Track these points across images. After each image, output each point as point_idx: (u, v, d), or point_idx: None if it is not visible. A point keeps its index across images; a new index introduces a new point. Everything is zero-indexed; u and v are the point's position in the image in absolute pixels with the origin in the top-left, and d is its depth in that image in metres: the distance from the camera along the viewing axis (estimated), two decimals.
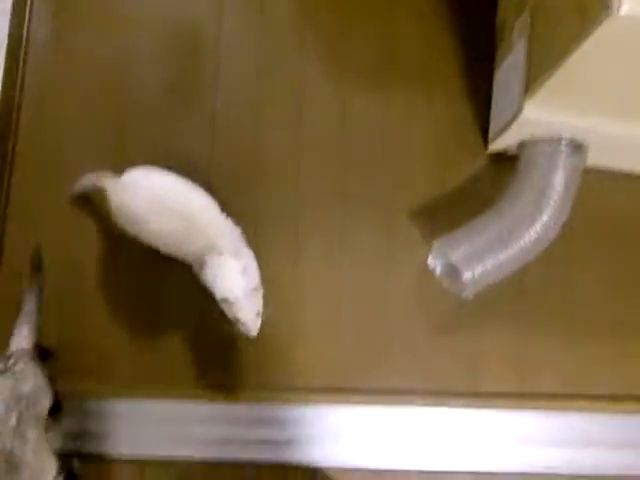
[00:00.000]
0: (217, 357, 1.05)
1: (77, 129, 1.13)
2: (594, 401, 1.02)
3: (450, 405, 1.02)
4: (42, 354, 0.91)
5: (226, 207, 0.95)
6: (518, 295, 1.06)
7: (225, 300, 0.86)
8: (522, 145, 1.02)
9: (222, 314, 0.87)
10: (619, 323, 1.06)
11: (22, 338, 0.89)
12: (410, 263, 1.07)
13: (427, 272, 1.05)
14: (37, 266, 0.96)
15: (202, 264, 0.90)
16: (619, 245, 1.08)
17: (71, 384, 0.96)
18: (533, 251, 0.98)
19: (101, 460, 1.01)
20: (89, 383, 1.03)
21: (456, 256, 0.97)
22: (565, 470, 1.00)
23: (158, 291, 1.07)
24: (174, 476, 1.00)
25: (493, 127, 1.07)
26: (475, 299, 1.01)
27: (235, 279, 0.87)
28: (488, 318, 1.05)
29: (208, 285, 0.88)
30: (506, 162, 1.05)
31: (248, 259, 0.90)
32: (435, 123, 1.12)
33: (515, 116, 0.94)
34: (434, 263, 1.04)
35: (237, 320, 0.87)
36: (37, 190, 1.11)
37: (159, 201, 0.94)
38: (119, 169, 0.98)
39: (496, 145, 1.06)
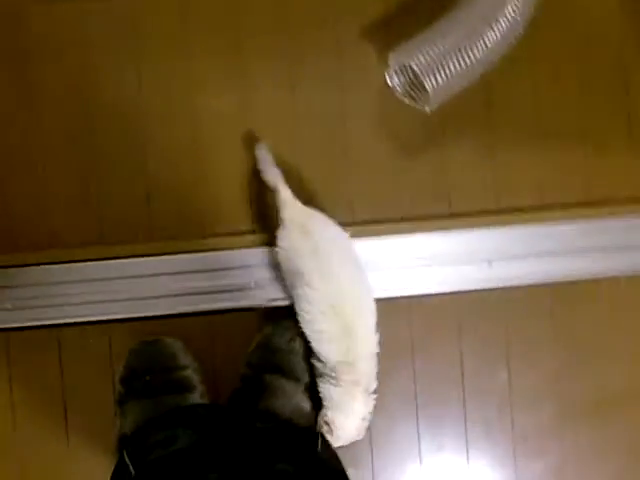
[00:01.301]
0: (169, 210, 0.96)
1: None
2: (570, 208, 0.98)
3: (423, 230, 0.97)
4: None
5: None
6: (485, 107, 0.99)
7: (329, 431, 0.84)
8: None
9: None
10: (589, 130, 1.00)
11: None
12: (367, 84, 0.98)
13: (386, 92, 0.96)
14: None
15: (328, 377, 0.84)
16: (588, 46, 1.00)
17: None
18: (498, 51, 0.90)
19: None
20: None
21: (416, 63, 0.88)
22: (548, 279, 0.98)
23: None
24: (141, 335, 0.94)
25: None
26: (440, 115, 0.94)
27: (353, 429, 0.85)
28: (456, 134, 0.98)
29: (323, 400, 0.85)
30: None
31: (371, 400, 0.85)
32: None
33: None
34: (392, 78, 0.95)
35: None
36: None
37: (324, 267, 0.83)
38: None
39: None
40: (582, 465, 0.98)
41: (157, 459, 0.76)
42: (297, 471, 0.72)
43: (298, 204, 0.88)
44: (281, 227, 0.87)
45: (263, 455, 0.76)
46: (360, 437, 0.87)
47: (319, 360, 0.85)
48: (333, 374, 0.83)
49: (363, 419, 0.85)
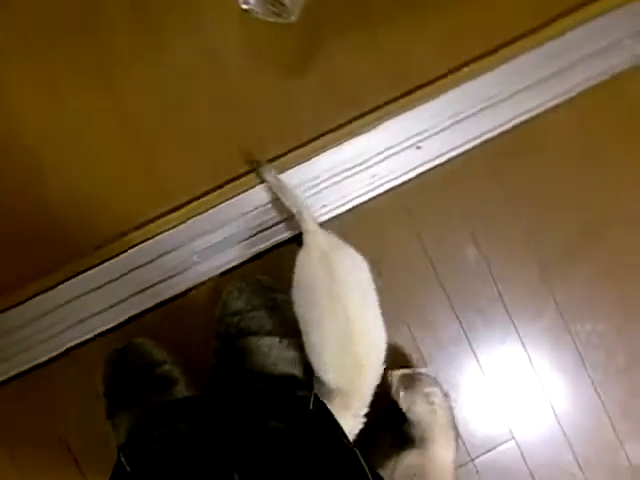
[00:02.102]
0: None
1: None
2: (472, 64, 0.92)
3: (338, 141, 0.92)
4: None
5: None
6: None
7: None
8: None
9: None
10: None
11: None
12: (224, 18, 0.92)
13: (247, 19, 0.90)
14: None
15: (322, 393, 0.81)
16: None
17: None
18: None
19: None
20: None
21: None
22: (480, 138, 0.92)
23: None
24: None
25: None
26: (311, 20, 0.90)
27: None
28: (329, 32, 0.92)
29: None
30: None
31: (359, 422, 0.82)
32: None
33: None
34: (246, 1, 0.89)
35: None
36: None
37: (338, 302, 0.78)
38: None
39: None
40: (579, 309, 0.93)
41: (151, 455, 0.75)
42: (289, 428, 0.70)
43: (321, 231, 0.85)
44: (303, 251, 0.84)
45: (255, 416, 0.74)
46: None
47: (319, 380, 0.83)
48: (329, 395, 0.81)
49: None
